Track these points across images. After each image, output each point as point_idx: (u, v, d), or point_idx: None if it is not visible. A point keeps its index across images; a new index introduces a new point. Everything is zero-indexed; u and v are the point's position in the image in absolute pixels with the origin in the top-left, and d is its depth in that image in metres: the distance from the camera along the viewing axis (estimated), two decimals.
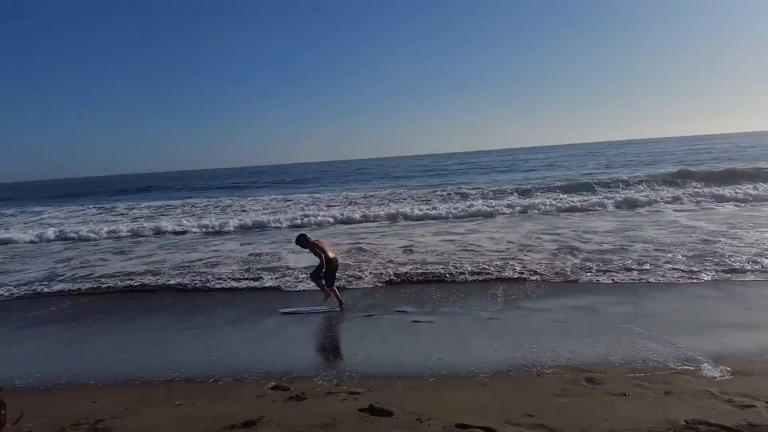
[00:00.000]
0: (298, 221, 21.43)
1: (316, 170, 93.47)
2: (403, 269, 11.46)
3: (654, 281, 9.58)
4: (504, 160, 76.62)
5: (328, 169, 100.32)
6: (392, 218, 20.95)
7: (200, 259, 14.48)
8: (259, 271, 12.24)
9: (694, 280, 9.46)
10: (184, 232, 20.88)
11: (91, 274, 13.42)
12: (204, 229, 21.24)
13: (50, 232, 22.09)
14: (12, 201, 54.08)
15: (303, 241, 9.47)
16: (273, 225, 21.17)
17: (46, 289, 11.97)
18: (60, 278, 13.11)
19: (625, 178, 27.97)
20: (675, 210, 18.95)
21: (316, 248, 9.28)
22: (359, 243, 15.52)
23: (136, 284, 11.95)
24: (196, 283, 11.57)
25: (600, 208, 20.25)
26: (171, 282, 11.86)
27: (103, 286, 11.99)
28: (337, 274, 9.50)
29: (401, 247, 14.34)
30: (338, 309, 9.00)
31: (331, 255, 9.27)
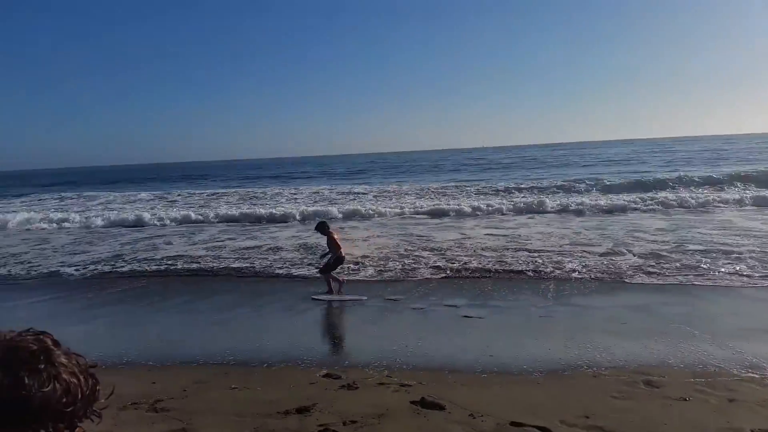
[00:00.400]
0: (349, 209, 21.79)
1: (364, 162, 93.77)
2: (453, 263, 11.41)
3: (710, 284, 9.17)
4: (560, 154, 74.90)
5: (377, 160, 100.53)
6: (443, 211, 20.82)
7: (258, 246, 14.87)
8: (314, 259, 12.44)
9: (755, 284, 9.01)
10: (240, 220, 21.39)
11: (154, 257, 13.97)
12: (260, 215, 21.73)
13: (111, 216, 23.06)
14: (69, 185, 56.69)
15: (322, 229, 9.97)
16: (326, 215, 21.41)
17: (113, 270, 12.59)
18: (125, 259, 13.75)
19: (685, 176, 26.82)
20: (734, 211, 18.05)
21: (332, 240, 9.72)
22: (410, 235, 15.56)
23: (199, 268, 12.44)
24: (254, 269, 11.95)
25: (656, 207, 19.51)
26: (231, 266, 12.33)
27: (171, 268, 12.55)
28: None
29: (452, 240, 14.27)
30: (356, 299, 9.25)
31: (342, 252, 9.78)
